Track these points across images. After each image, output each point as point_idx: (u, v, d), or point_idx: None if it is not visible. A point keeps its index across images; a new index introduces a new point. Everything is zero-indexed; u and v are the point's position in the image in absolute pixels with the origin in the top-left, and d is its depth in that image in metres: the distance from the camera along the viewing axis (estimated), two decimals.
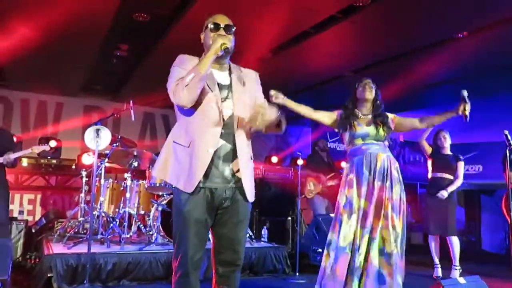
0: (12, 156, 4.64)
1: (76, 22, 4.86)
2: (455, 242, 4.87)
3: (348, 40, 5.41)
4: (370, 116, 3.40)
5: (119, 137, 5.52)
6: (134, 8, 4.71)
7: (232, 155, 2.20)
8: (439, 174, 5.05)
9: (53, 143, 5.71)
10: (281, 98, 3.21)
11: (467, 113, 3.03)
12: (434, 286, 3.06)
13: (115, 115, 5.77)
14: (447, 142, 5.11)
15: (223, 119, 2.18)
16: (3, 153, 4.65)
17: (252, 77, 2.41)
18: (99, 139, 4.24)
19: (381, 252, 3.09)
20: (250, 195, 2.25)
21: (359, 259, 3.09)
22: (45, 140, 6.93)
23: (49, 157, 7.29)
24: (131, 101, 5.22)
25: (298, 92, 7.61)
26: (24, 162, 7.13)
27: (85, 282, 3.95)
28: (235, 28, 2.32)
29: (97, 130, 4.25)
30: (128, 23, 5.04)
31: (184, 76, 2.09)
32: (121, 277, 4.35)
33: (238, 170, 2.21)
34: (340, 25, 4.85)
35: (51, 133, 8.08)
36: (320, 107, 3.61)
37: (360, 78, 3.51)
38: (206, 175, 2.15)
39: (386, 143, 3.37)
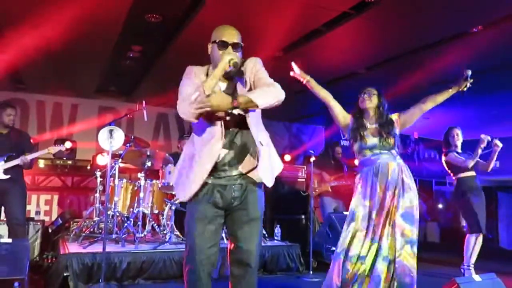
0: (29, 157, 4.70)
1: (89, 25, 4.91)
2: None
3: (360, 36, 5.37)
4: (376, 125, 3.39)
5: (133, 137, 5.56)
6: (146, 9, 4.73)
7: (239, 159, 2.26)
8: (468, 174, 4.83)
9: (68, 144, 5.78)
10: (304, 76, 3.23)
11: (465, 89, 3.26)
12: (449, 284, 3.02)
13: (128, 115, 5.82)
14: (459, 140, 4.97)
15: (226, 129, 2.23)
16: (21, 154, 4.72)
17: (250, 67, 2.35)
18: (112, 139, 4.28)
19: (385, 259, 3.06)
20: (268, 180, 2.31)
21: (363, 267, 3.07)
22: (60, 141, 7.01)
23: (64, 158, 7.37)
24: (143, 102, 5.27)
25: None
26: (41, 163, 7.23)
27: (100, 280, 4.00)
28: (243, 45, 2.33)
29: (111, 131, 4.29)
30: (141, 24, 5.06)
31: (191, 93, 2.14)
32: (136, 276, 4.40)
33: (250, 171, 2.27)
34: (352, 22, 4.81)
35: (66, 134, 8.17)
36: None
37: (364, 88, 3.54)
38: (215, 177, 2.23)
39: (395, 151, 3.35)
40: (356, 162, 3.56)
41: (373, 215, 3.17)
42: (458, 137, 4.97)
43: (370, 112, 3.44)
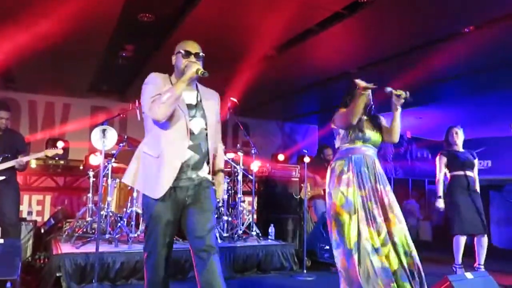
0: (24, 159, 4.67)
1: (82, 24, 4.88)
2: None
3: (353, 36, 5.39)
4: (366, 118, 3.38)
5: (126, 137, 5.54)
6: (138, 8, 4.72)
7: (201, 163, 2.51)
8: (461, 172, 4.82)
9: (61, 144, 5.74)
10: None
11: (405, 99, 3.15)
12: (441, 282, 3.04)
13: (121, 115, 5.79)
14: (459, 139, 4.93)
15: (191, 134, 2.46)
16: (15, 156, 4.69)
17: (215, 99, 2.69)
18: (105, 139, 4.25)
19: (406, 254, 3.05)
20: (218, 193, 2.76)
21: (387, 261, 3.03)
22: (53, 141, 6.97)
23: (57, 158, 7.31)
24: (136, 101, 5.24)
25: (303, 89, 7.60)
26: (33, 164, 7.17)
27: (93, 281, 3.98)
28: (204, 55, 2.59)
29: (104, 130, 4.27)
30: (133, 24, 5.05)
31: (161, 94, 2.35)
32: (129, 276, 4.38)
33: (207, 174, 2.55)
34: (345, 22, 4.83)
35: (58, 134, 8.14)
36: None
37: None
38: (175, 179, 2.42)
39: (376, 149, 3.36)
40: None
41: (369, 205, 3.14)
42: (458, 136, 4.93)
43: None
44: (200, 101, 2.58)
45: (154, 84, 2.49)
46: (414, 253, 3.07)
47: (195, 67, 2.39)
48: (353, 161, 3.24)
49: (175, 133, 2.43)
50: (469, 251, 4.81)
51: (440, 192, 4.83)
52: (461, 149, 4.95)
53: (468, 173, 4.82)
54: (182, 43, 2.60)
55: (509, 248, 7.11)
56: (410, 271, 3.02)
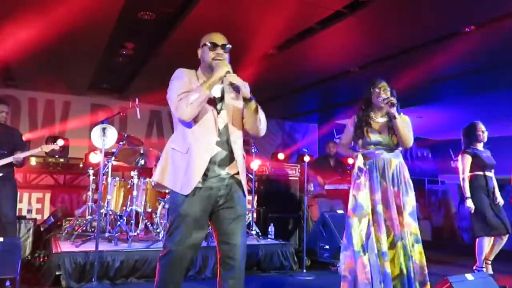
0: (22, 155, 4.66)
1: (82, 22, 4.87)
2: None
3: (354, 35, 5.38)
4: (385, 120, 3.37)
5: (126, 135, 5.53)
6: (139, 6, 4.71)
7: (229, 160, 2.42)
8: (481, 173, 4.73)
9: (60, 142, 5.72)
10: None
11: (392, 102, 3.18)
12: (442, 283, 3.04)
13: (121, 113, 5.78)
14: (486, 136, 4.81)
15: (218, 129, 2.40)
16: (13, 152, 4.68)
17: (242, 82, 2.50)
18: (105, 137, 4.26)
19: (410, 258, 3.08)
20: (245, 190, 2.50)
21: (390, 266, 3.05)
22: (52, 139, 6.96)
23: (57, 156, 7.32)
24: (136, 99, 5.24)
25: (304, 88, 7.59)
26: (32, 161, 7.17)
27: (93, 279, 3.99)
28: (230, 47, 2.50)
29: (104, 129, 4.27)
30: (134, 22, 5.04)
31: (189, 94, 2.29)
32: (129, 275, 4.38)
33: (236, 173, 2.44)
34: (346, 21, 4.81)
35: (58, 132, 8.12)
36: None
37: (374, 80, 3.41)
38: (203, 177, 2.34)
39: (398, 150, 3.35)
40: (350, 160, 3.55)
41: (379, 209, 3.16)
42: (485, 133, 4.81)
43: (382, 108, 3.36)
44: (223, 95, 2.49)
45: (181, 80, 2.41)
46: (418, 259, 3.08)
47: (225, 69, 2.33)
48: (367, 167, 3.28)
49: (203, 128, 2.37)
50: (469, 251, 4.80)
51: (468, 193, 4.67)
52: (481, 148, 4.86)
53: (487, 173, 4.74)
54: (208, 35, 2.51)
55: (509, 249, 7.11)
56: (412, 277, 3.04)
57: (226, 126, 2.43)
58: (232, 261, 2.35)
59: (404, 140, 3.25)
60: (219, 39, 2.48)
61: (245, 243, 2.43)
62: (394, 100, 3.18)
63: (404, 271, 3.06)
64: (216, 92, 2.44)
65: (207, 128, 2.38)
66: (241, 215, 2.43)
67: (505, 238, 4.67)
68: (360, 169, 3.29)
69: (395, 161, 3.27)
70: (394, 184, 3.20)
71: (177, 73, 2.46)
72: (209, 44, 2.45)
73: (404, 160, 3.40)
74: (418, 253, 3.12)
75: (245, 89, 2.36)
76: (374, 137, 3.30)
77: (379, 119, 3.38)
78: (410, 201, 3.20)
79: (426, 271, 3.11)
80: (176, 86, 2.38)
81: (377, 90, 3.34)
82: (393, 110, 3.18)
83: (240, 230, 2.41)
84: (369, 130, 3.33)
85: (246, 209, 2.53)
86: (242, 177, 2.45)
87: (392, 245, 3.11)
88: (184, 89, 2.33)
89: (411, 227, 3.14)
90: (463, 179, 4.74)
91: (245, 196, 2.48)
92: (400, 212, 3.15)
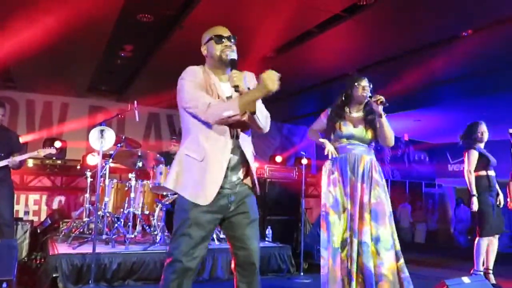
0: (18, 158, 4.64)
1: (81, 24, 4.88)
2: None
3: (352, 39, 5.40)
4: (360, 115, 3.36)
5: (124, 137, 5.53)
6: (138, 9, 4.72)
7: (240, 164, 2.33)
8: (484, 172, 4.67)
9: (58, 144, 5.73)
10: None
11: (381, 102, 3.14)
12: (439, 286, 3.04)
13: (119, 115, 5.78)
14: (485, 138, 4.76)
15: (235, 133, 2.30)
16: (9, 154, 4.66)
17: (252, 81, 2.43)
18: (103, 139, 4.25)
19: (373, 254, 3.07)
20: (257, 189, 2.43)
21: (353, 264, 3.07)
22: (50, 141, 6.96)
23: (54, 158, 7.29)
24: (135, 102, 5.24)
25: (302, 91, 7.61)
26: (30, 163, 7.15)
27: (90, 282, 3.97)
28: (236, 37, 2.42)
29: (102, 131, 4.26)
30: (132, 24, 5.05)
31: (221, 106, 2.19)
32: (126, 277, 4.36)
33: (245, 177, 2.36)
34: (344, 24, 4.84)
35: (56, 133, 8.11)
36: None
37: (357, 77, 3.41)
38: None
39: (371, 146, 3.33)
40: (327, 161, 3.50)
41: (347, 204, 3.19)
42: (487, 133, 4.75)
43: (360, 104, 3.36)
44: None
45: (195, 80, 2.29)
46: (383, 258, 3.04)
47: (275, 84, 2.16)
48: (338, 161, 3.28)
49: (217, 133, 2.26)
50: (465, 254, 4.80)
51: (474, 190, 4.58)
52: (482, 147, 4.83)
53: (490, 172, 4.71)
54: (210, 29, 2.41)
55: (506, 251, 7.12)
56: (372, 274, 3.02)
57: (237, 129, 2.32)
58: (251, 266, 2.34)
59: (389, 138, 3.25)
60: (224, 31, 2.40)
61: (259, 249, 2.40)
62: (383, 98, 3.17)
63: (361, 267, 3.05)
64: (228, 91, 2.34)
65: (221, 133, 2.26)
66: (255, 219, 2.39)
67: (497, 237, 4.66)
68: (334, 159, 3.28)
69: (366, 158, 3.25)
70: (361, 181, 3.19)
71: (190, 72, 2.32)
72: (215, 38, 2.36)
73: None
74: (388, 262, 3.03)
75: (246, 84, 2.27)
76: (346, 129, 3.28)
77: (354, 114, 3.37)
78: (372, 199, 3.14)
79: (403, 275, 3.03)
80: (191, 87, 2.26)
81: (360, 88, 3.32)
82: (380, 109, 3.17)
83: (255, 235, 2.38)
84: (342, 123, 3.31)
85: (257, 214, 2.45)
86: (254, 176, 2.38)
87: (346, 242, 3.13)
88: (199, 89, 2.25)
89: (372, 227, 3.10)
90: (470, 172, 4.64)
91: (253, 200, 2.40)
92: (363, 210, 3.14)
